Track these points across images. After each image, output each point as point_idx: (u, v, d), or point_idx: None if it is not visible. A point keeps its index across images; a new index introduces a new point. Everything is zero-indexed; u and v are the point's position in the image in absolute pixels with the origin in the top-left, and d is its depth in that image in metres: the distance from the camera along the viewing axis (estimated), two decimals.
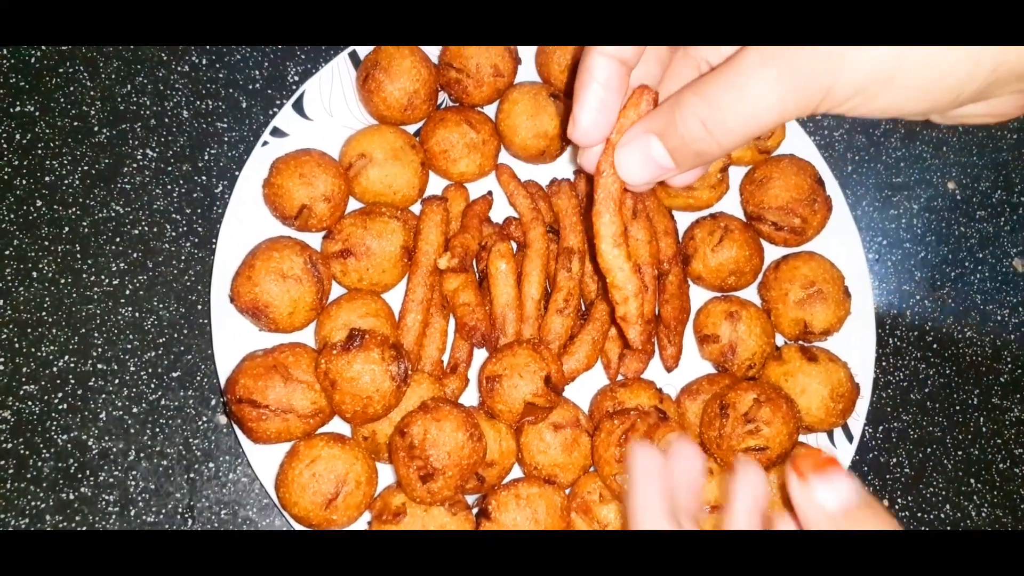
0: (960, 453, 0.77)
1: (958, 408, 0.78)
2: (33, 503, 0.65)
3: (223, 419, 0.68)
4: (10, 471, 0.65)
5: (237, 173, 0.73)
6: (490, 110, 0.73)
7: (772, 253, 0.74)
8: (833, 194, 0.73)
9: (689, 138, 0.39)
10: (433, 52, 0.72)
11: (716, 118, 0.38)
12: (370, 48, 0.71)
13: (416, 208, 0.71)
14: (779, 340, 0.72)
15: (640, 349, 0.67)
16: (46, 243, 0.69)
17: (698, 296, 0.73)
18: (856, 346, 0.72)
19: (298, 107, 0.71)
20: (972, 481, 0.76)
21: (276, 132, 0.70)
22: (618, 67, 0.40)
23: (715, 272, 0.71)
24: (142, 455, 0.67)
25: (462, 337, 0.68)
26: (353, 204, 0.70)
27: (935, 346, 0.79)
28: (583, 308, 0.72)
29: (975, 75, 0.35)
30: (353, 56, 0.72)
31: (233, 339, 0.65)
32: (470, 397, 0.69)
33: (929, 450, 0.76)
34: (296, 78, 0.75)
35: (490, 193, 0.73)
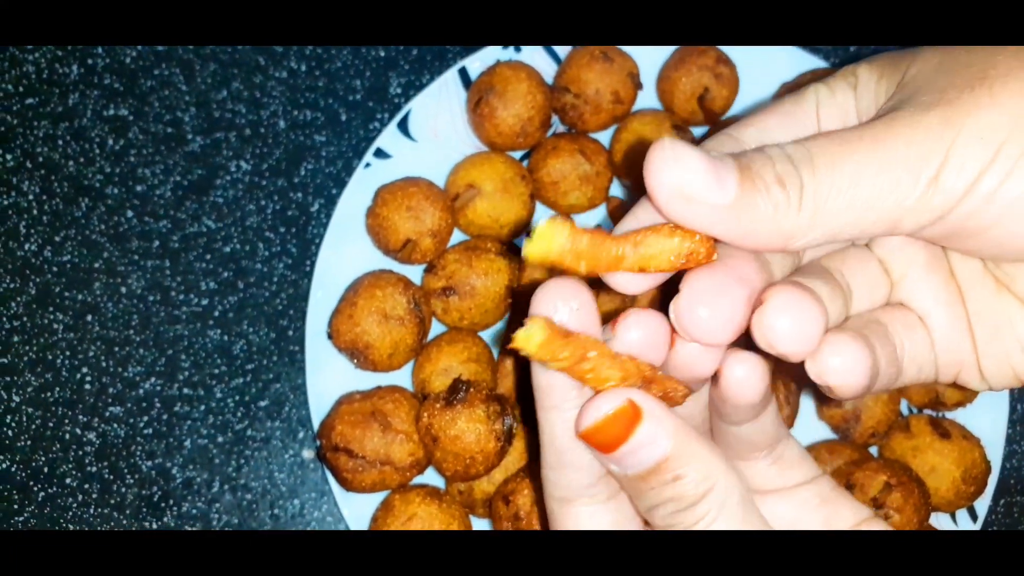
0: None
1: None
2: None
3: (308, 454, 0.65)
4: (94, 495, 0.63)
5: (334, 191, 0.69)
6: (602, 137, 0.68)
7: None
8: None
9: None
10: (547, 73, 0.67)
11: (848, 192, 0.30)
12: (478, 63, 0.67)
13: (520, 241, 0.67)
14: (903, 406, 0.67)
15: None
16: (135, 257, 0.67)
17: None
18: (986, 418, 0.66)
19: (402, 126, 0.66)
20: None
21: (379, 153, 0.66)
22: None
23: None
24: (226, 487, 0.64)
25: None
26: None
27: None
28: None
29: None
30: (462, 73, 0.67)
31: (326, 374, 0.62)
32: None
33: None
34: (399, 90, 0.71)
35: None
